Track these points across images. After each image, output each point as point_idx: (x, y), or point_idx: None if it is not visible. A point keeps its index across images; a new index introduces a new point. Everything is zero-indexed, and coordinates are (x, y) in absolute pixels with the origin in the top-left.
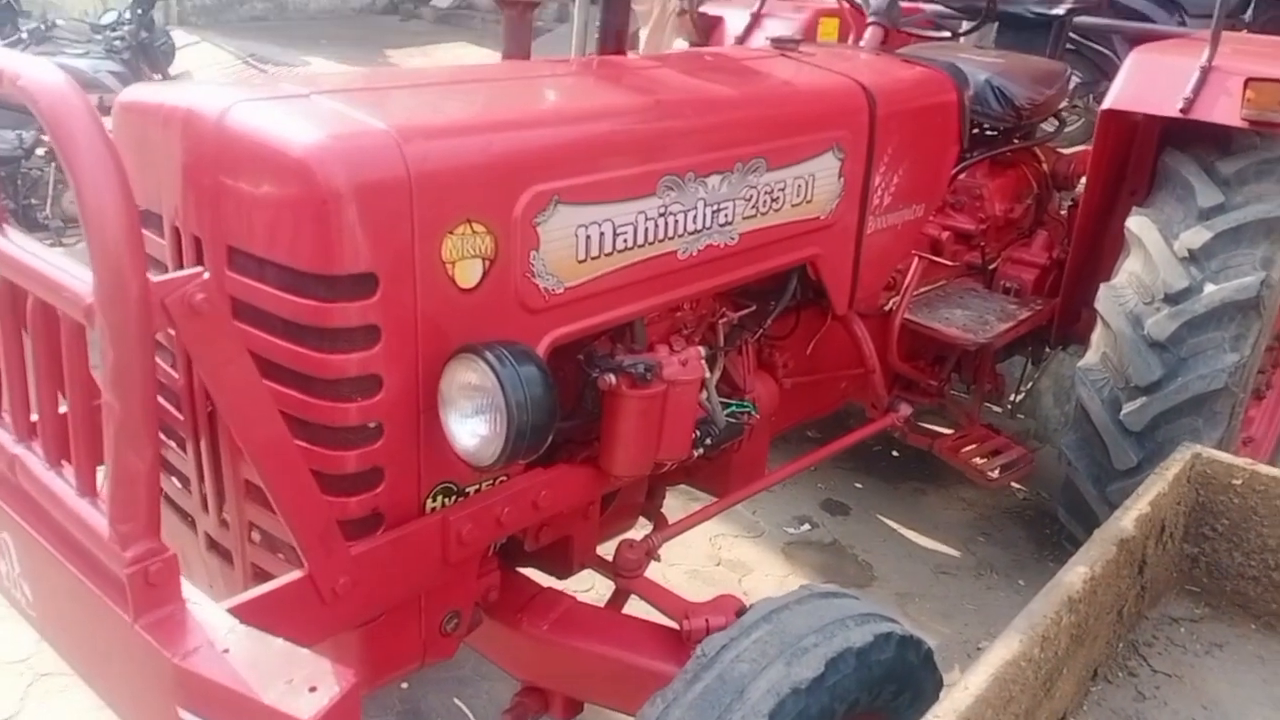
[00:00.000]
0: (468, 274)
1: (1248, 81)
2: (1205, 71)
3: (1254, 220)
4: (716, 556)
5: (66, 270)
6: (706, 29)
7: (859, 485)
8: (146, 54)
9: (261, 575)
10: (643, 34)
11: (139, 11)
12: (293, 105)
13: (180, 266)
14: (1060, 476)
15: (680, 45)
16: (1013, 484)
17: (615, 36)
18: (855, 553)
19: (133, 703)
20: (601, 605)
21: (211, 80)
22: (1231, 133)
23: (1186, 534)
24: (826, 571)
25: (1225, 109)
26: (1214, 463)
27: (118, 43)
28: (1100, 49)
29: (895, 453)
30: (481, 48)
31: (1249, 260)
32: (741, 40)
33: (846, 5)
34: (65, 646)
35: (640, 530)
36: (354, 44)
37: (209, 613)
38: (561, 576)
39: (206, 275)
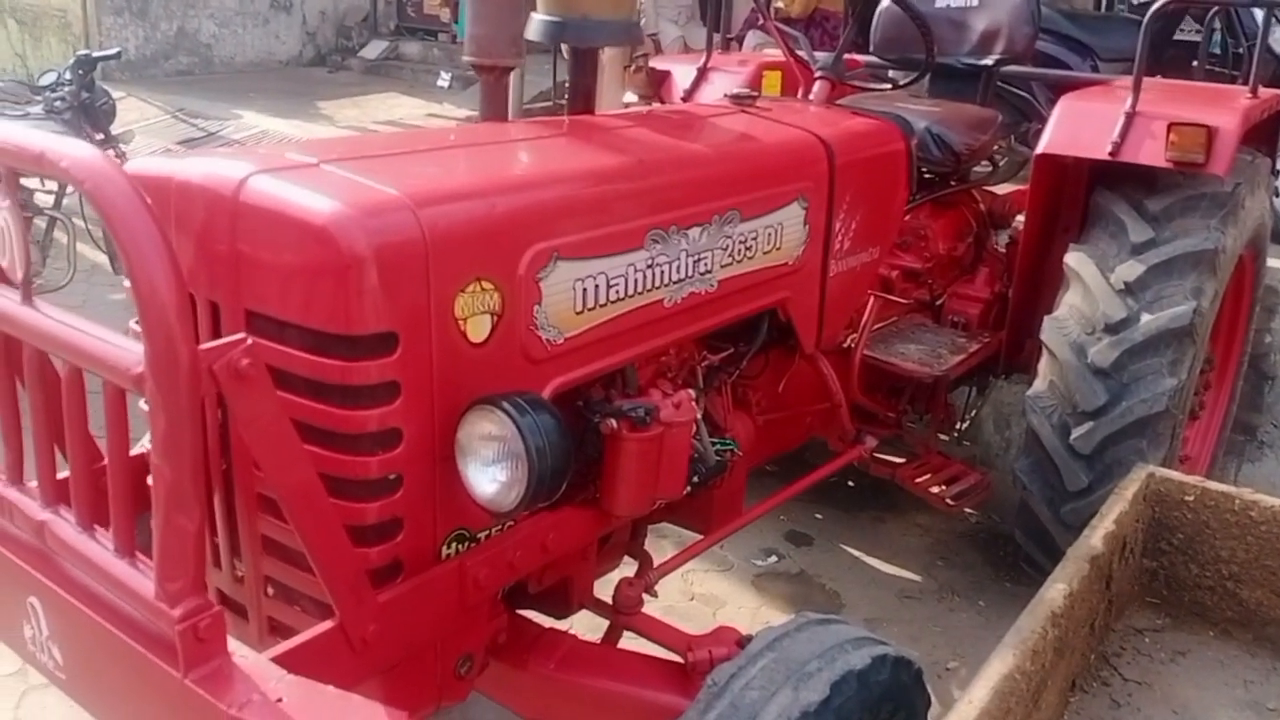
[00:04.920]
0: (478, 329)
1: (1171, 126)
2: (1130, 117)
3: (1182, 254)
4: (690, 592)
5: (109, 340)
6: (656, 83)
7: (819, 516)
8: (88, 114)
9: (277, 627)
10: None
11: (80, 72)
12: (305, 175)
13: (215, 331)
14: (1015, 500)
15: (630, 99)
16: (966, 509)
17: (584, 96)
18: (822, 581)
19: None
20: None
21: (155, 138)
22: (1156, 172)
23: (1145, 549)
24: (796, 601)
25: (1150, 151)
26: (1167, 481)
27: (58, 103)
28: (1020, 93)
29: (851, 483)
30: (413, 97)
31: (1180, 290)
32: (689, 94)
33: (794, 61)
34: (102, 706)
35: (628, 568)
36: (284, 96)
37: (256, 664)
38: (560, 617)
39: (250, 341)
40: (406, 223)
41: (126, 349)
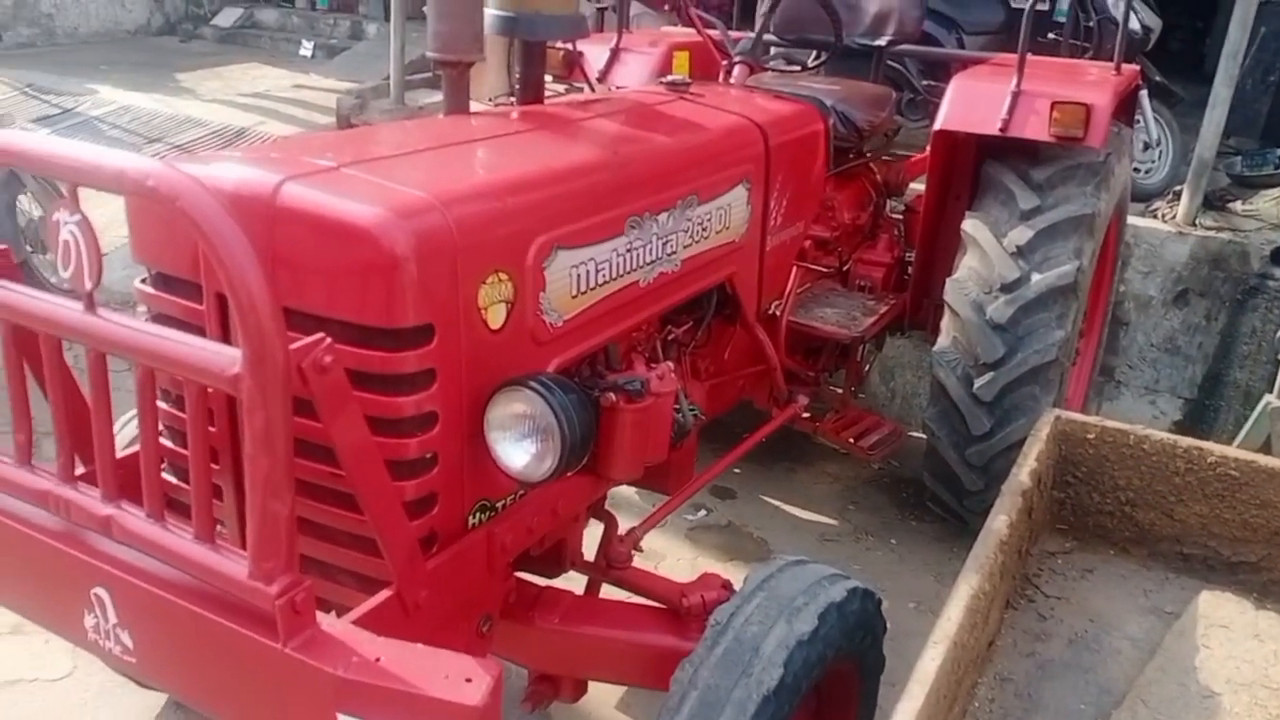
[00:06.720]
0: (496, 317)
1: (1054, 104)
2: (1016, 95)
3: (1065, 218)
4: None
5: (198, 345)
6: (570, 64)
7: (737, 471)
8: None
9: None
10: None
11: None
12: (334, 180)
13: (224, 330)
14: (912, 447)
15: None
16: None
17: (534, 86)
18: (750, 530)
19: (280, 716)
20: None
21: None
22: (1039, 145)
23: (1055, 482)
24: (730, 550)
25: (1035, 126)
26: (1072, 422)
27: None
28: (895, 65)
29: (763, 439)
30: (276, 68)
31: (1064, 251)
32: (604, 75)
33: (711, 45)
34: (184, 683)
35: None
36: (138, 69)
37: (344, 630)
38: (552, 577)
39: (329, 340)
40: (438, 223)
41: (219, 353)
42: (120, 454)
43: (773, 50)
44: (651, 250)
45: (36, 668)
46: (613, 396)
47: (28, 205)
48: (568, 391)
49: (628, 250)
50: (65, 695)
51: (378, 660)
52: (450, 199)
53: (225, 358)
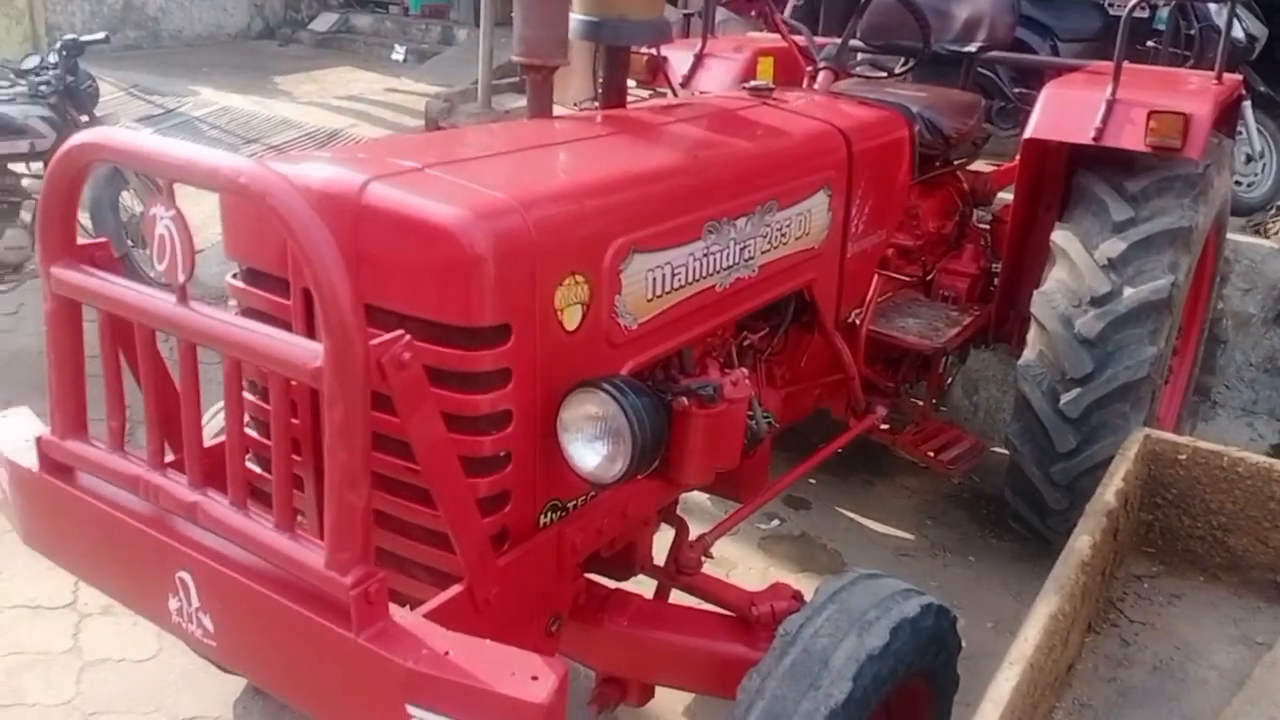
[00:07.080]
0: (572, 318)
1: (1151, 113)
2: (1110, 104)
3: (1160, 231)
4: None
5: (283, 339)
6: (654, 69)
7: (813, 481)
8: (73, 97)
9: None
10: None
11: (64, 54)
12: (418, 180)
13: (309, 325)
14: (992, 462)
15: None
16: (961, 471)
17: (617, 91)
18: (824, 542)
19: (351, 704)
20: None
21: (136, 122)
22: (1133, 155)
23: (1143, 503)
24: (802, 562)
25: (1131, 136)
26: (1162, 442)
27: (44, 87)
28: (984, 72)
29: (839, 449)
30: (369, 71)
31: (1159, 265)
32: (688, 80)
33: (797, 50)
34: (258, 666)
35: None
36: (237, 71)
37: (416, 623)
38: (621, 579)
39: (407, 337)
40: (518, 224)
41: (303, 347)
42: (208, 443)
43: (859, 56)
44: (729, 255)
45: (124, 648)
46: (685, 401)
47: (130, 201)
48: (640, 394)
49: (705, 255)
50: (151, 676)
51: (447, 654)
52: (530, 201)
53: (308, 351)
